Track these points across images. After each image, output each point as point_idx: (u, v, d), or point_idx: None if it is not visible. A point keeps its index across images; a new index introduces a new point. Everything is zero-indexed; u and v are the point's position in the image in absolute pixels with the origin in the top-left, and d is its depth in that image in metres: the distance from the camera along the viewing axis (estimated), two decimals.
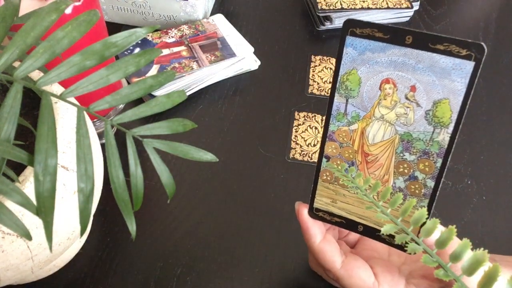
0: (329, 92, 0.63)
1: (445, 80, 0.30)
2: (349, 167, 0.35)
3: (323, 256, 0.36)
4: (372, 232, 0.35)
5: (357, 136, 0.34)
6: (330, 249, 0.36)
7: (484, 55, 0.28)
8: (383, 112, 0.32)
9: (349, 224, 0.36)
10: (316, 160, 0.54)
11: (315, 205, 0.37)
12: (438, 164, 0.32)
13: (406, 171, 0.33)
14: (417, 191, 0.33)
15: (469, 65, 0.29)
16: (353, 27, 0.31)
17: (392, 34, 0.30)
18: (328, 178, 0.36)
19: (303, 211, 0.37)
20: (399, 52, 0.30)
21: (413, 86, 0.31)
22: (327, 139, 0.35)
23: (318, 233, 0.36)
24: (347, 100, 0.33)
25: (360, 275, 0.35)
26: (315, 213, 0.37)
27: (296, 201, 0.38)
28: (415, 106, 0.31)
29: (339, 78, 0.33)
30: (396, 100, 0.32)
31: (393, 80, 0.31)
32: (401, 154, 0.33)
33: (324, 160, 0.35)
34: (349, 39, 0.31)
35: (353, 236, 0.41)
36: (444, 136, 0.31)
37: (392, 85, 0.32)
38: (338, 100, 0.33)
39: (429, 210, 0.33)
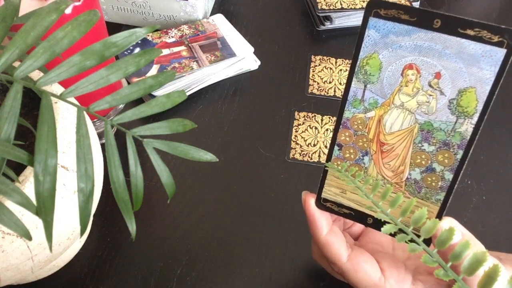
0: (329, 92, 0.64)
1: (473, 67, 0.28)
2: (349, 166, 0.34)
3: (329, 249, 0.34)
4: (381, 225, 0.33)
5: (373, 124, 0.32)
6: (337, 241, 0.34)
7: None
8: (404, 100, 0.31)
9: (358, 216, 0.35)
10: (316, 160, 0.55)
11: (323, 195, 0.35)
12: (459, 156, 0.30)
13: (423, 162, 0.32)
14: (433, 184, 0.32)
15: (500, 53, 0.27)
16: (377, 8, 0.29)
17: (419, 17, 0.28)
18: (339, 168, 0.34)
19: (310, 201, 0.35)
20: (426, 36, 0.29)
21: (438, 73, 0.29)
22: (340, 126, 0.33)
23: (324, 225, 0.35)
24: (365, 86, 0.31)
25: (367, 269, 0.34)
26: (322, 204, 0.35)
27: (303, 191, 0.36)
28: (439, 94, 0.30)
29: (358, 62, 0.31)
30: (419, 87, 0.30)
31: (416, 66, 0.30)
32: (420, 144, 0.31)
33: (336, 148, 0.34)
34: (372, 21, 0.29)
35: (357, 227, 0.39)
36: (467, 127, 0.29)
37: (415, 71, 0.30)
38: (355, 86, 0.31)
39: (445, 204, 0.32)
